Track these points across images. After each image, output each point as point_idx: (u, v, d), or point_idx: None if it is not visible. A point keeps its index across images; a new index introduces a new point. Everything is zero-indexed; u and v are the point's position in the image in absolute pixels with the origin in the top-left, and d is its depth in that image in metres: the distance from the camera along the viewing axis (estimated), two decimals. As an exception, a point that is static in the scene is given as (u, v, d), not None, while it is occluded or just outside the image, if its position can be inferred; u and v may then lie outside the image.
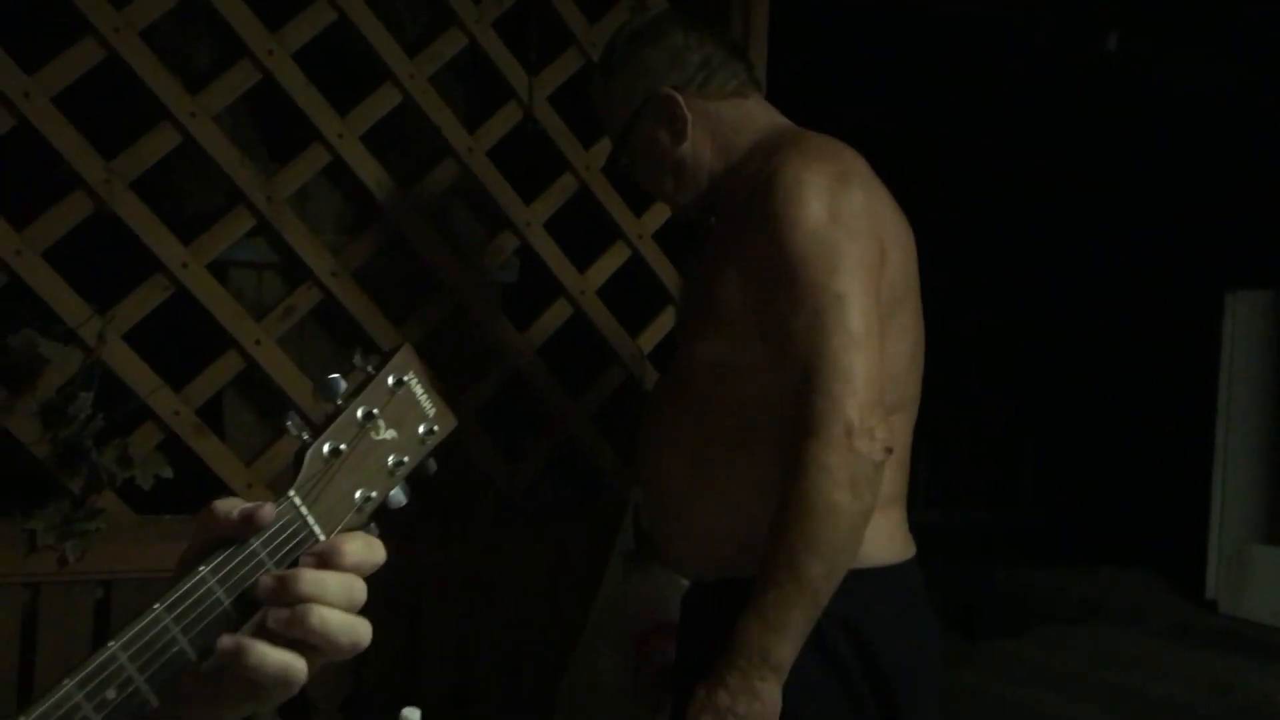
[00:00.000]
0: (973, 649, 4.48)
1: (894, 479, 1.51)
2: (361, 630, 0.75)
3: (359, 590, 0.76)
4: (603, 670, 2.16)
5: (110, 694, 0.70)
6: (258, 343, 2.04)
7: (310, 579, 0.74)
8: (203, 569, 0.75)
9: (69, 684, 0.69)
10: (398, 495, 0.86)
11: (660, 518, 1.67)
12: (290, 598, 0.73)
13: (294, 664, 0.72)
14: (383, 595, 2.10)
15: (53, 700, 0.69)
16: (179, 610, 0.73)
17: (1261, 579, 4.42)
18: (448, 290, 2.24)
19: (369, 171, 2.15)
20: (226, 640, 0.73)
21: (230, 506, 0.76)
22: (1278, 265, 4.20)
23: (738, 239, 1.52)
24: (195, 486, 2.03)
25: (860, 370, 1.35)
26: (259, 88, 2.08)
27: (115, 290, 1.96)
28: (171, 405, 1.98)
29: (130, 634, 0.72)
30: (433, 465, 0.89)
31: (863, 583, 1.43)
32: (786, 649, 1.34)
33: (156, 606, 0.73)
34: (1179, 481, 4.73)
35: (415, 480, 0.89)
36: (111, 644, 0.71)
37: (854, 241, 1.41)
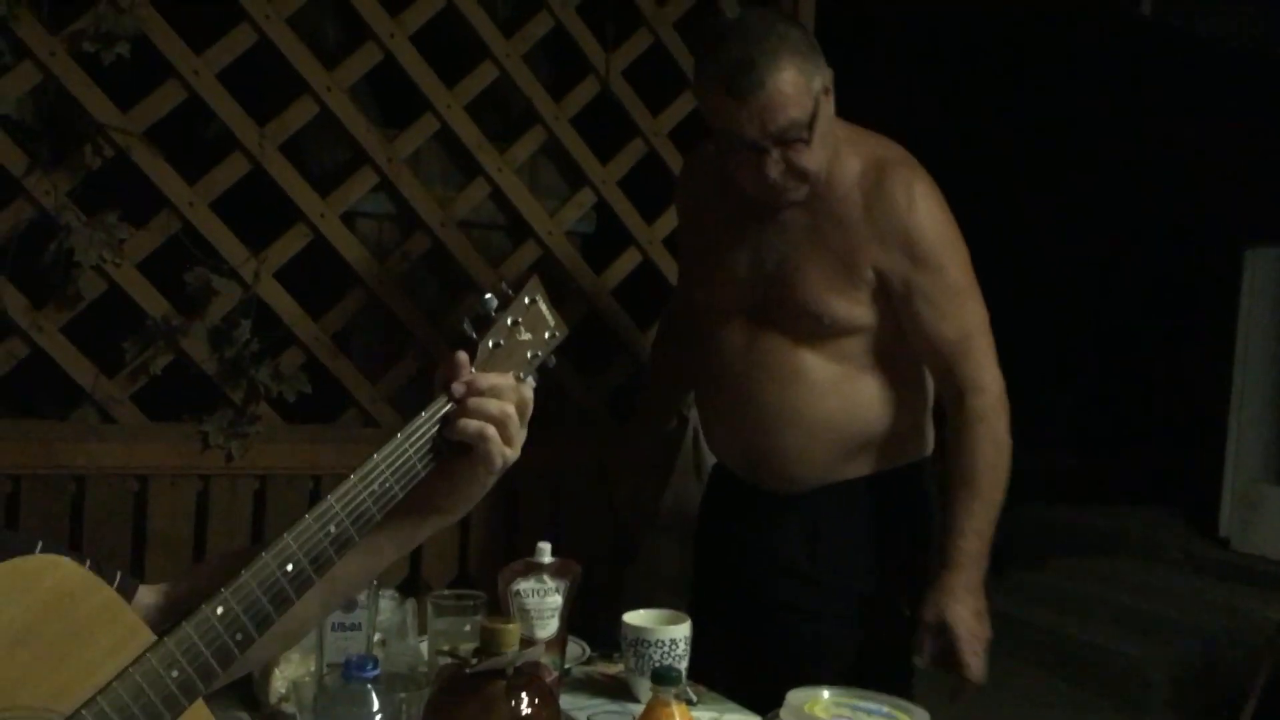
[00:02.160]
0: (1000, 579, 4.82)
1: None
2: (519, 440, 1.13)
3: (527, 398, 1.14)
4: (665, 558, 2.55)
5: (375, 488, 1.08)
6: (381, 282, 2.44)
7: (489, 378, 1.13)
8: (423, 414, 1.13)
9: (338, 494, 1.06)
10: (531, 380, 1.24)
11: (753, 444, 1.95)
12: (475, 389, 1.11)
13: (486, 428, 1.10)
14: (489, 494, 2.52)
15: (343, 489, 1.06)
16: (411, 434, 1.10)
17: (1272, 517, 4.70)
18: (536, 238, 2.61)
19: (471, 136, 2.52)
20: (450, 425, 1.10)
21: (463, 358, 1.13)
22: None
23: (864, 225, 1.80)
24: (330, 400, 2.44)
25: (993, 348, 1.84)
26: (379, 63, 2.45)
27: (267, 236, 2.35)
28: (312, 332, 2.38)
29: (385, 452, 1.10)
30: (553, 360, 1.27)
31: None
32: (988, 555, 1.79)
33: (399, 436, 1.12)
34: (1197, 426, 5.00)
35: (540, 371, 1.26)
36: (376, 456, 1.09)
37: (963, 241, 1.84)
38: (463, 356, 1.14)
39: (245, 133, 2.31)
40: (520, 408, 1.14)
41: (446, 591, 1.58)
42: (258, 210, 2.37)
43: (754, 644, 2.02)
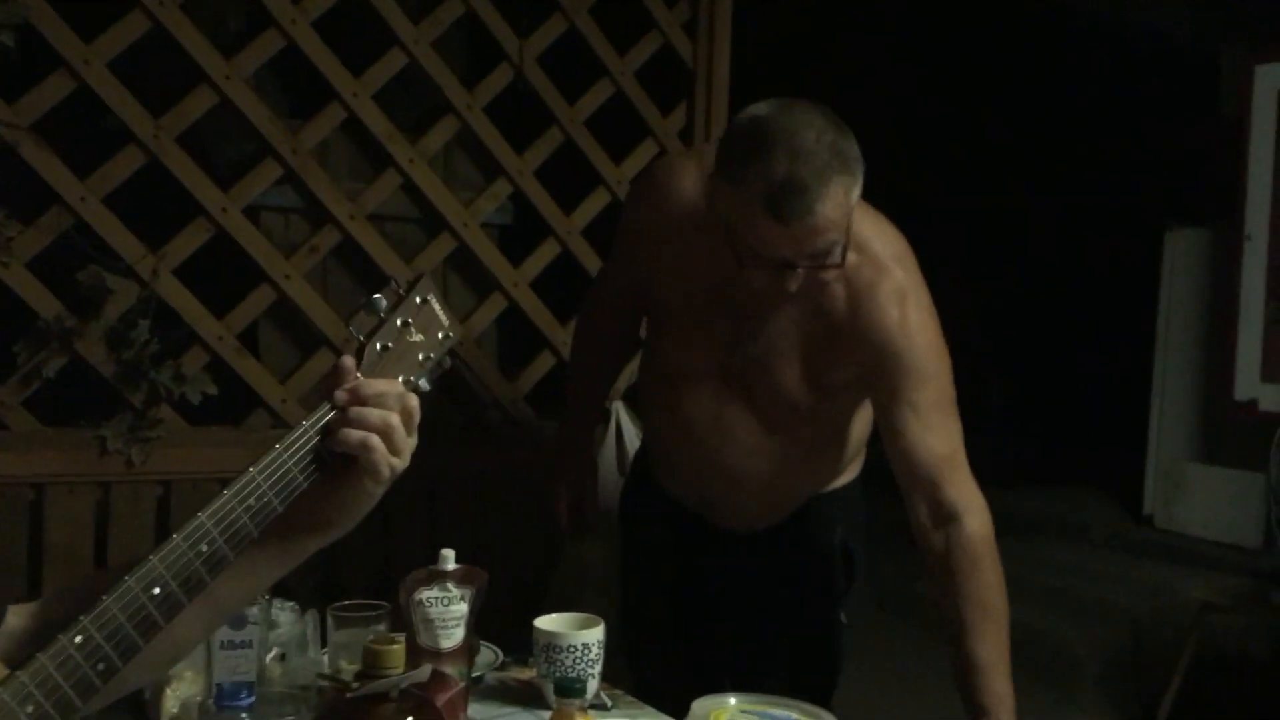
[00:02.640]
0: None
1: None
2: (407, 449, 1.07)
3: (411, 406, 1.08)
4: (592, 559, 2.50)
5: (251, 502, 1.02)
6: (287, 277, 2.35)
7: (374, 384, 1.07)
8: (304, 423, 1.07)
9: (209, 510, 1.00)
10: (424, 383, 1.18)
11: (709, 497, 1.93)
12: (359, 397, 1.05)
13: (369, 438, 1.04)
14: (406, 495, 2.45)
15: (215, 505, 1.00)
16: (291, 445, 1.04)
17: (1193, 494, 4.77)
18: (451, 230, 2.54)
19: (380, 126, 2.44)
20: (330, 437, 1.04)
21: (348, 364, 1.07)
22: (1210, 205, 4.50)
23: (850, 325, 1.68)
24: (237, 401, 2.35)
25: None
26: (282, 52, 2.37)
27: (166, 232, 2.26)
28: (216, 331, 2.29)
29: (263, 464, 1.04)
30: (448, 361, 1.21)
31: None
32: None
33: (277, 447, 1.05)
34: (1122, 407, 5.06)
35: (435, 374, 1.21)
36: (252, 469, 1.03)
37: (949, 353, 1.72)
38: (347, 362, 1.08)
39: (140, 125, 2.21)
40: (407, 415, 1.08)
41: (347, 602, 1.52)
42: (157, 206, 2.28)
43: (695, 651, 2.02)
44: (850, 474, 2.00)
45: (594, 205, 2.73)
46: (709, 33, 2.77)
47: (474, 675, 1.62)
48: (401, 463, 1.08)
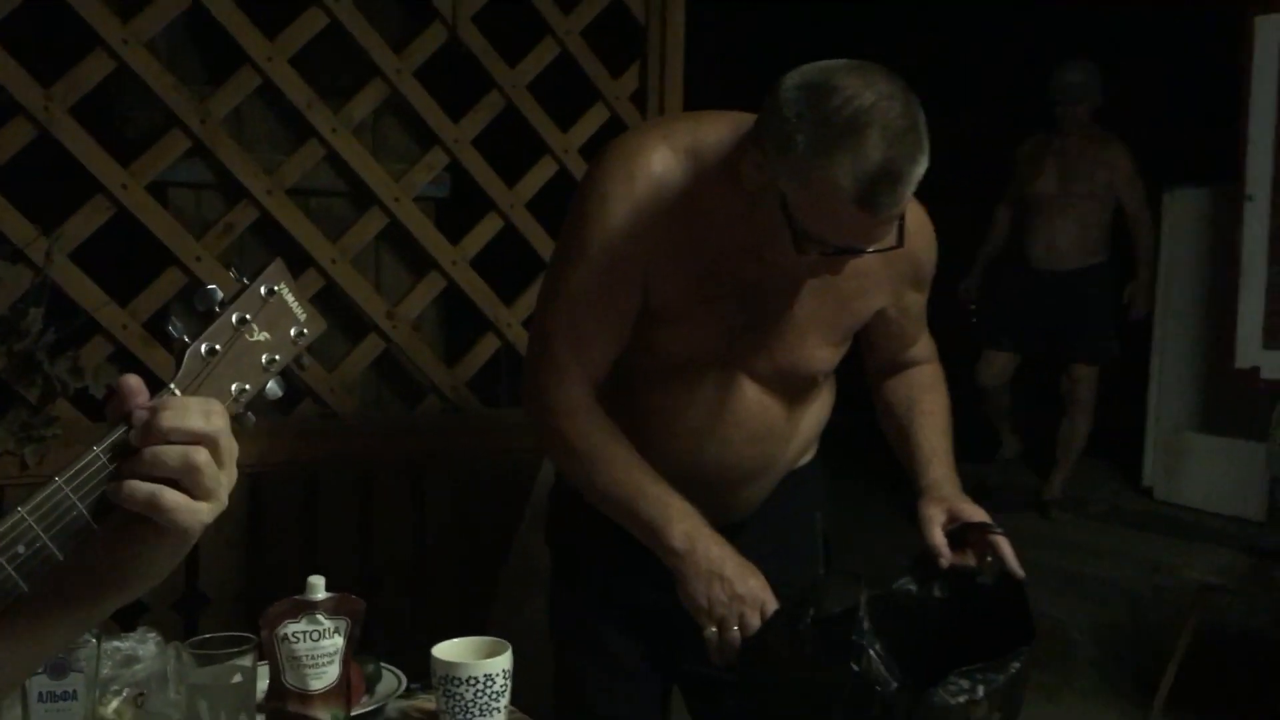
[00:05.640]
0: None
1: None
2: (221, 490, 0.87)
3: (216, 430, 0.87)
4: (539, 558, 2.34)
5: (20, 550, 0.84)
6: (198, 259, 2.17)
7: (171, 415, 0.85)
8: (95, 448, 0.88)
9: None
10: (273, 388, 0.99)
11: (702, 494, 1.65)
12: (149, 433, 0.84)
13: (159, 497, 0.84)
14: (337, 491, 2.30)
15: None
16: (75, 482, 0.86)
17: (1193, 465, 4.62)
18: (381, 205, 2.35)
19: (299, 93, 2.25)
20: (109, 486, 0.85)
21: (133, 385, 0.87)
22: (1211, 164, 4.32)
23: (883, 269, 1.60)
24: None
25: None
26: (194, 14, 2.17)
27: (62, 212, 2.08)
28: (119, 319, 2.11)
29: (35, 502, 0.86)
30: (306, 361, 1.02)
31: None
32: None
33: (56, 479, 0.87)
34: (1121, 375, 4.90)
35: (287, 374, 1.02)
36: (20, 509, 0.85)
37: None
38: (131, 382, 0.87)
39: (27, 95, 2.02)
40: (221, 442, 0.88)
41: (209, 636, 1.34)
42: (51, 184, 2.09)
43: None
44: (815, 448, 1.85)
45: (539, 176, 2.54)
46: (662, -15, 2.57)
47: (372, 707, 1.45)
48: (213, 509, 0.88)
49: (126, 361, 2.13)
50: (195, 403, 0.88)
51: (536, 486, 2.37)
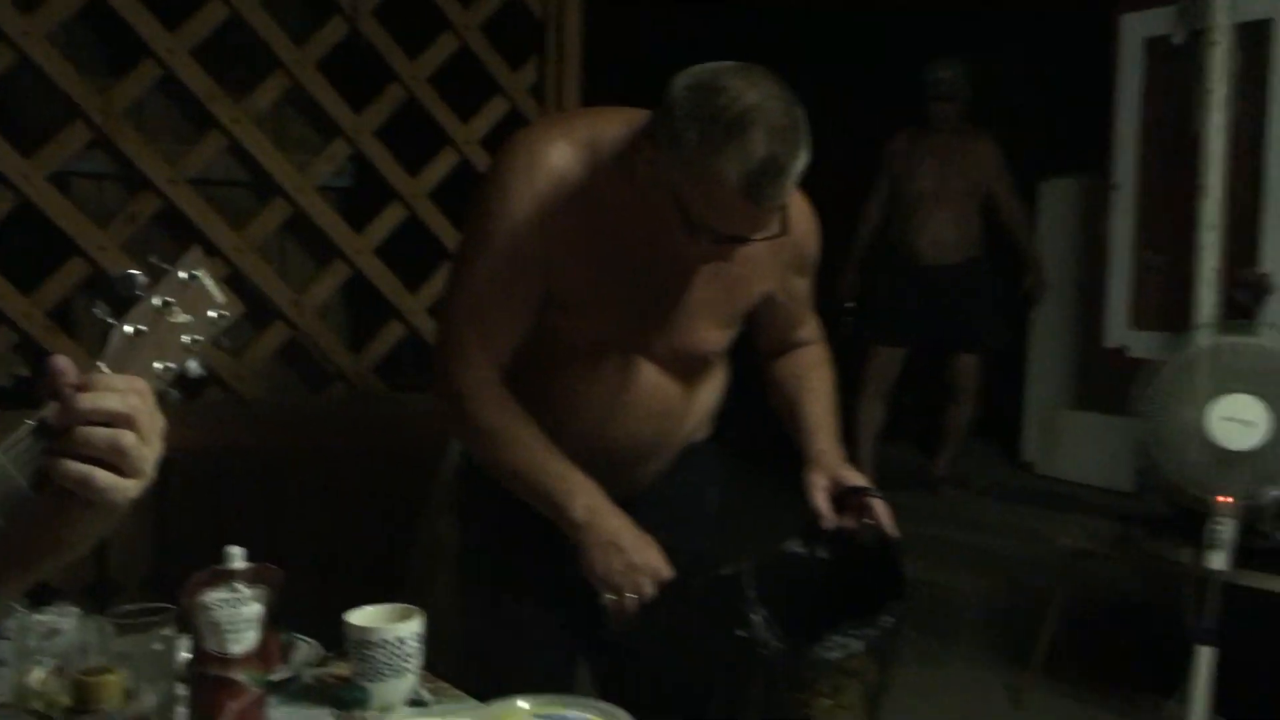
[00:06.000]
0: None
1: None
2: (147, 465, 0.94)
3: (138, 409, 0.92)
4: (444, 536, 2.42)
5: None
6: (102, 249, 2.20)
7: (96, 396, 0.90)
8: (29, 422, 0.95)
9: None
10: (194, 367, 1.06)
11: (604, 469, 1.74)
12: (78, 414, 0.90)
13: (91, 478, 0.90)
14: (242, 475, 2.34)
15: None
16: (12, 453, 0.93)
17: (1068, 441, 4.88)
18: (284, 195, 2.40)
19: (201, 85, 2.29)
20: (45, 463, 0.91)
21: (61, 365, 0.93)
22: (1082, 155, 4.55)
23: (770, 256, 1.68)
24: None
25: None
26: (95, 6, 2.19)
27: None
28: (22, 308, 2.13)
29: None
30: (225, 342, 1.10)
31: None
32: None
33: None
34: (1001, 356, 5.12)
35: (210, 352, 1.09)
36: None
37: None
38: (59, 363, 0.92)
39: (-75, 86, 2.03)
40: (143, 420, 0.94)
41: (130, 606, 1.40)
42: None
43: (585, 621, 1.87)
44: (709, 425, 1.94)
45: (442, 166, 2.61)
46: (558, -18, 2.66)
47: (288, 675, 1.52)
48: (140, 485, 0.95)
49: (31, 351, 2.15)
50: (117, 381, 0.93)
51: (443, 467, 2.45)
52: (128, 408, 0.92)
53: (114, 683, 0.91)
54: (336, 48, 2.46)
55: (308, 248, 2.54)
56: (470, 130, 2.62)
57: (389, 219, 2.56)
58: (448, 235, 2.60)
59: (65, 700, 0.97)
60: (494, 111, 2.65)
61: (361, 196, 2.61)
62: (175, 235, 2.37)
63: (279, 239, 2.50)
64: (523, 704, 1.13)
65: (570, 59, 2.69)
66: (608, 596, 1.61)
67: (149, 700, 1.02)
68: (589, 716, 1.11)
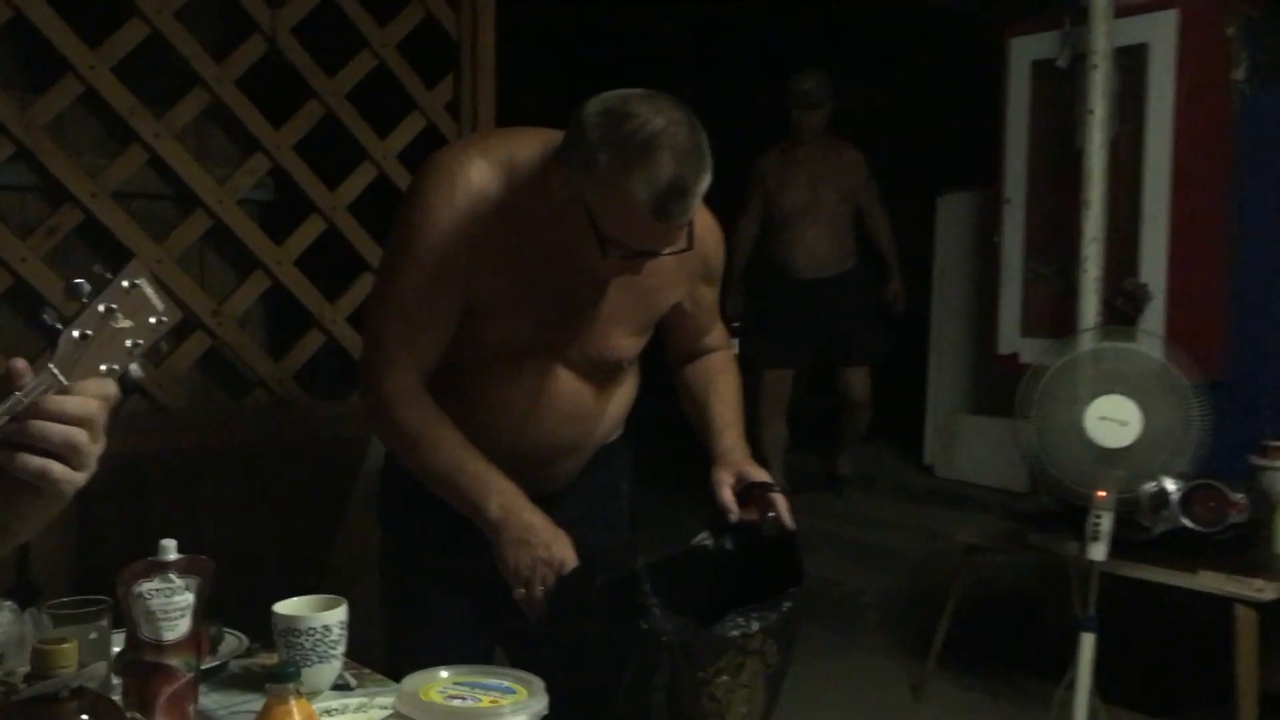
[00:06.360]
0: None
1: None
2: (92, 459, 1.04)
3: (92, 412, 1.03)
4: (368, 540, 2.49)
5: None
6: (23, 260, 2.24)
7: (54, 400, 1.02)
8: None
9: None
10: (136, 369, 1.15)
11: (523, 471, 1.83)
12: (38, 412, 1.01)
13: (49, 468, 1.01)
14: (166, 476, 2.39)
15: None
16: None
17: (966, 444, 5.09)
18: (205, 208, 2.47)
19: (122, 100, 2.35)
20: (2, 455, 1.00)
21: (20, 368, 1.03)
22: (977, 171, 4.76)
23: (678, 267, 1.79)
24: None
25: None
26: (17, 23, 2.24)
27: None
28: (-57, 319, 2.17)
29: None
30: (164, 347, 1.19)
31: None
32: None
33: None
34: (906, 364, 5.33)
35: (152, 358, 1.18)
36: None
37: None
38: (19, 365, 1.01)
39: None
40: (97, 422, 1.04)
41: (66, 599, 1.47)
42: None
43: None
44: (622, 427, 2.04)
45: (359, 180, 2.69)
46: (472, 2, 2.75)
47: (216, 664, 1.60)
48: (84, 477, 1.04)
49: (-47, 360, 2.18)
50: (90, 386, 1.05)
51: (363, 471, 2.53)
52: (84, 411, 1.02)
53: (70, 650, 1.00)
54: (256, 64, 2.53)
55: (228, 259, 2.61)
56: (387, 145, 2.71)
57: (308, 231, 2.63)
58: (366, 247, 2.69)
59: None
60: (411, 128, 2.75)
61: (281, 209, 2.68)
62: (97, 247, 2.42)
63: (199, 250, 2.56)
64: (443, 673, 1.23)
65: (485, 77, 2.80)
66: (518, 590, 1.70)
67: (99, 669, 1.11)
68: (505, 683, 1.21)
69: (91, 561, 2.37)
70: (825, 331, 4.88)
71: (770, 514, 1.82)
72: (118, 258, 2.41)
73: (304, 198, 2.61)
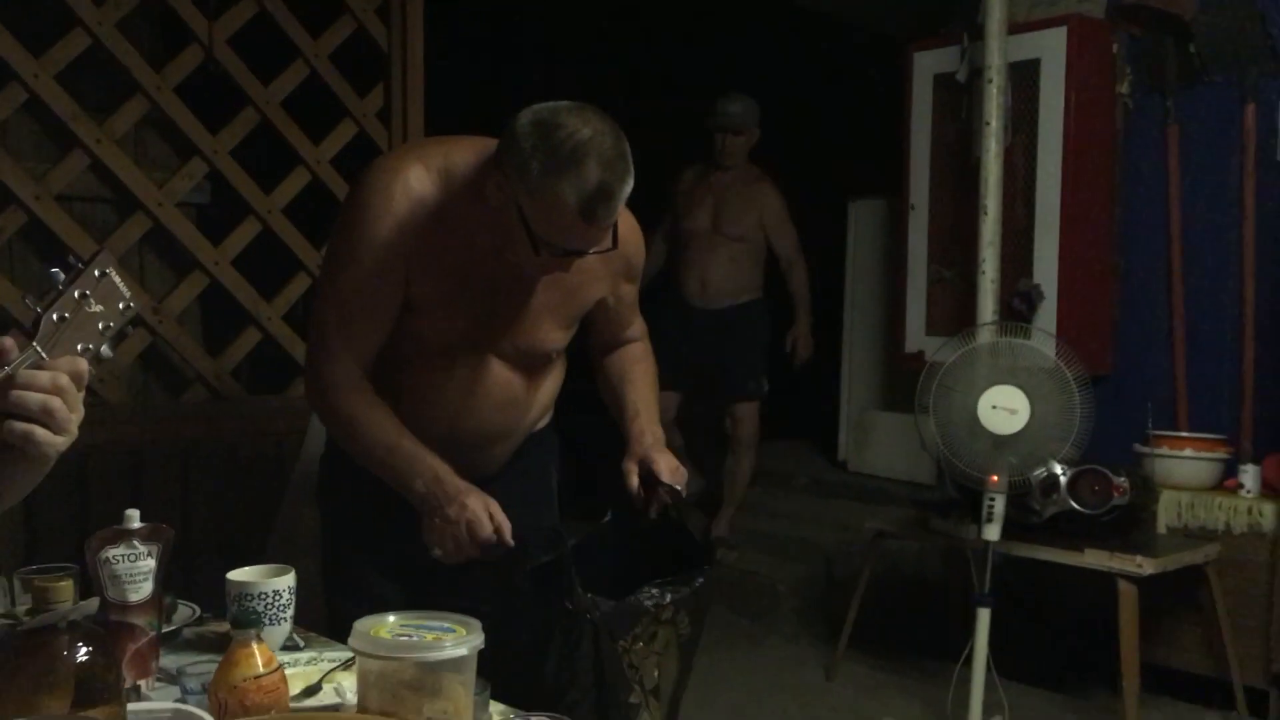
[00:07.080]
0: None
1: None
2: (73, 424, 1.17)
3: (63, 384, 1.16)
4: (304, 523, 2.60)
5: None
6: (-30, 260, 2.33)
7: (27, 373, 1.14)
8: None
9: None
10: (106, 350, 1.28)
11: (458, 456, 1.93)
12: (19, 385, 1.13)
13: (32, 432, 1.13)
14: (109, 469, 2.48)
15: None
16: None
17: (877, 439, 5.29)
18: (145, 210, 2.57)
19: (64, 106, 2.44)
20: None
21: (6, 345, 1.16)
22: (886, 178, 4.96)
23: (601, 265, 1.91)
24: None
25: None
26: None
27: None
28: (-108, 316, 2.25)
29: None
30: (130, 330, 1.32)
31: None
32: None
33: None
34: (820, 363, 5.51)
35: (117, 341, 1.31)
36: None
37: None
38: (6, 343, 1.14)
39: None
40: (67, 390, 1.15)
41: (37, 566, 1.59)
42: None
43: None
44: (550, 414, 2.17)
45: (294, 184, 2.81)
46: (401, 16, 2.89)
47: (170, 629, 1.72)
48: (67, 439, 1.17)
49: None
50: (62, 363, 1.18)
51: (300, 462, 2.64)
52: (57, 383, 1.16)
53: (67, 586, 1.12)
54: (194, 72, 2.64)
55: (167, 259, 2.71)
56: (321, 151, 2.83)
57: (244, 233, 2.74)
58: (300, 248, 2.80)
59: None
60: (343, 134, 2.87)
61: (218, 212, 2.79)
62: (39, 249, 2.51)
63: (139, 251, 2.65)
64: (391, 618, 1.37)
65: (414, 86, 2.93)
66: (434, 551, 1.82)
67: (92, 604, 1.23)
68: (447, 624, 1.36)
69: (34, 553, 2.45)
70: (710, 362, 4.72)
71: (653, 511, 1.96)
72: (59, 262, 2.50)
73: (240, 201, 2.72)
